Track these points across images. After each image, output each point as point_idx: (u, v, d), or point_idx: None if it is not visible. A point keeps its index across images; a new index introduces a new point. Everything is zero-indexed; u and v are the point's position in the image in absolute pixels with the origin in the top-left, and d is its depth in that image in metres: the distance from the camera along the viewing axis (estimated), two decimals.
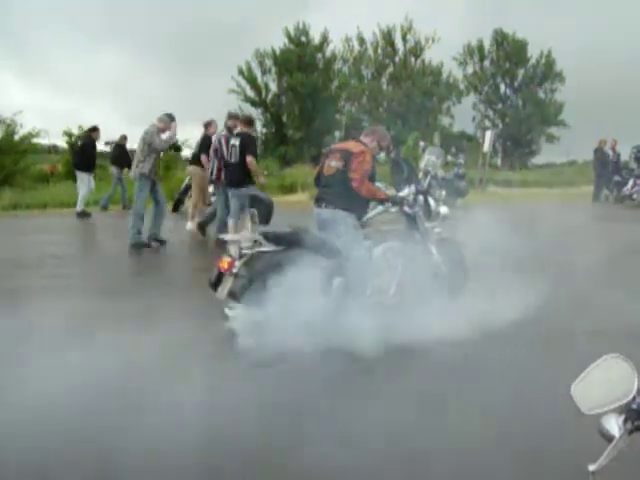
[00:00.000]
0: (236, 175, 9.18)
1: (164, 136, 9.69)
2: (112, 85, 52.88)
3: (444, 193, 7.38)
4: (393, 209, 5.81)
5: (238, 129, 9.45)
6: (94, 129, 14.95)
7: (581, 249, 7.85)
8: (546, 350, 4.74)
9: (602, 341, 4.75)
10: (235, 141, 9.18)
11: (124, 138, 16.20)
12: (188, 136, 16.19)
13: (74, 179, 17.92)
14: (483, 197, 18.52)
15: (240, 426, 3.44)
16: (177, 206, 14.81)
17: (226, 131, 9.94)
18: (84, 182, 14.33)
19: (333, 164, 5.60)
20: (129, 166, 14.54)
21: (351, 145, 5.76)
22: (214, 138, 10.29)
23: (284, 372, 4.22)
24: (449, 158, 27.47)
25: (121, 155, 15.77)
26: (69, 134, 21.96)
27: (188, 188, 15.23)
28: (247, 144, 9.12)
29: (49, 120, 29.27)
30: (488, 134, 21.55)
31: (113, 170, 15.85)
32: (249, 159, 9.01)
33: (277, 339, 4.37)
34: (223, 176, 9.68)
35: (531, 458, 3.09)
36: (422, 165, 8.60)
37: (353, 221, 5.49)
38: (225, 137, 9.66)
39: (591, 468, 1.26)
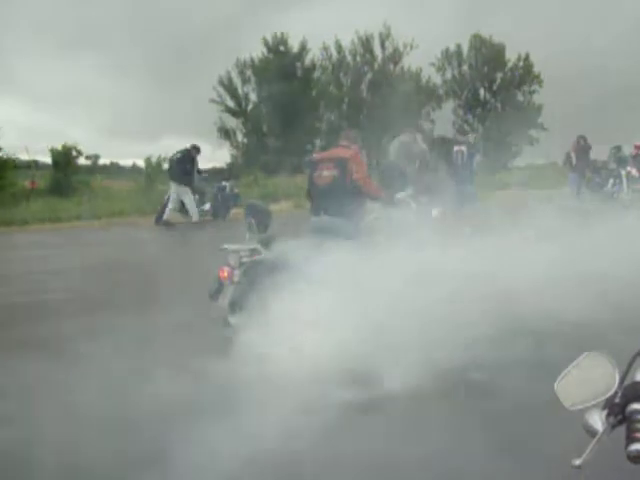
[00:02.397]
0: (464, 174, 11.29)
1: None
2: (89, 98, 52.45)
3: None
4: (388, 213, 5.88)
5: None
6: (195, 147, 15.34)
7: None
8: None
9: None
10: (460, 147, 11.58)
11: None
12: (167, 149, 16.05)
13: (57, 195, 17.84)
14: None
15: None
16: (159, 219, 14.73)
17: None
18: (186, 195, 14.62)
19: (326, 173, 5.67)
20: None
21: (339, 151, 5.84)
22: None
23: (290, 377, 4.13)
24: None
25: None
26: (54, 151, 21.80)
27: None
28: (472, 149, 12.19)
29: (28, 136, 29.05)
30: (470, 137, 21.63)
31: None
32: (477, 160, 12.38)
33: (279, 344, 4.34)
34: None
35: None
36: None
37: (352, 228, 5.55)
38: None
39: (576, 463, 1.27)
